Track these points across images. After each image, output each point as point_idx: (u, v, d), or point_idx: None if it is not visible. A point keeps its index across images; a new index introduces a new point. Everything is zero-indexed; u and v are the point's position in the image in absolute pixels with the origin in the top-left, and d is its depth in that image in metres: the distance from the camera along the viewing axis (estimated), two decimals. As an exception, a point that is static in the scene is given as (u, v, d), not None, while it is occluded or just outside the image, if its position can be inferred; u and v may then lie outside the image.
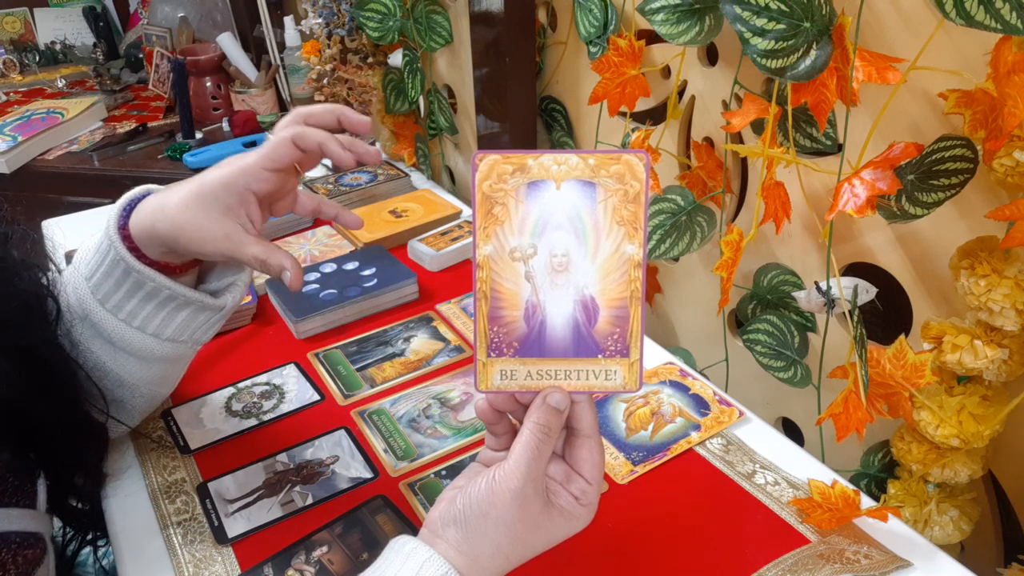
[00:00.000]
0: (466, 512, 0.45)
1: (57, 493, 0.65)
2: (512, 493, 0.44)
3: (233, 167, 0.61)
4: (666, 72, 0.94)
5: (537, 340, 0.45)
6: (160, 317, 0.65)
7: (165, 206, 0.61)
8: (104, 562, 0.79)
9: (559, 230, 0.44)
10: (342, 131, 0.63)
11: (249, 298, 0.94)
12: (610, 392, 0.52)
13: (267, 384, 0.84)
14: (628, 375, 0.46)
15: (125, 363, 0.67)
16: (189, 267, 0.65)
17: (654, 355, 0.88)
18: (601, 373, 0.46)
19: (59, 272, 0.66)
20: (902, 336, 0.66)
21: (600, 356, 0.46)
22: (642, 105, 0.94)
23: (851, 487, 0.66)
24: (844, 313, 0.71)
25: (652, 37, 0.89)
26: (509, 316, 0.45)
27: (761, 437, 0.75)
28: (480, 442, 0.75)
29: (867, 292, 0.74)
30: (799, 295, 0.81)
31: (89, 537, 0.75)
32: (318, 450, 0.74)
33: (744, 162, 0.90)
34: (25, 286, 0.58)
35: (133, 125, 1.81)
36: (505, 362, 0.46)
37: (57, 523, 0.71)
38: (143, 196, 0.64)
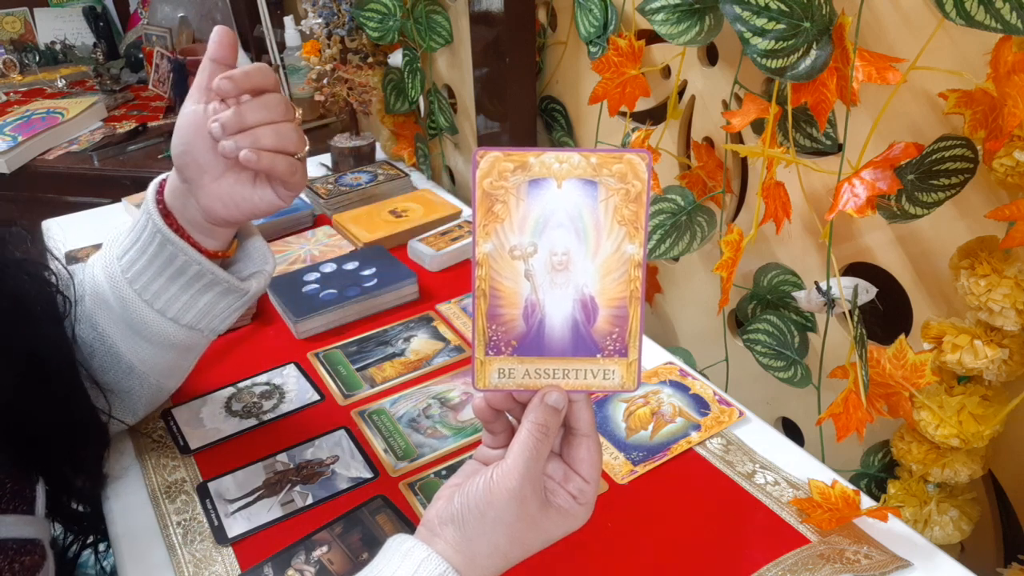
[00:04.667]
0: (464, 511, 0.45)
1: (56, 496, 0.65)
2: (510, 492, 0.44)
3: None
4: (666, 72, 0.94)
5: (536, 339, 0.45)
6: (183, 300, 0.65)
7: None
8: (105, 563, 0.79)
9: (560, 228, 0.44)
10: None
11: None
12: (608, 392, 0.52)
13: (267, 384, 0.84)
14: (626, 375, 0.46)
15: (139, 349, 0.68)
16: (219, 255, 0.66)
17: (654, 355, 0.88)
18: (599, 372, 0.46)
19: (66, 268, 0.66)
20: (902, 336, 0.66)
21: (598, 355, 0.46)
22: (642, 105, 0.94)
23: (851, 487, 0.66)
24: (844, 313, 0.71)
25: (652, 37, 0.89)
26: (508, 314, 0.45)
27: (761, 437, 0.75)
28: (480, 442, 0.75)
29: (867, 292, 0.74)
30: (799, 295, 0.81)
31: (89, 540, 0.75)
32: (318, 450, 0.74)
33: (744, 162, 0.90)
34: (20, 285, 0.58)
35: (133, 125, 1.81)
36: (503, 360, 0.46)
37: (58, 526, 0.71)
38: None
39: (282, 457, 0.74)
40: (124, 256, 0.65)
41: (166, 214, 0.64)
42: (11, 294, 0.57)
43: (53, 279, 0.64)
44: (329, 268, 1.01)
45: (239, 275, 0.68)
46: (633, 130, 0.95)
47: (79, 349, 0.67)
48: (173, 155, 0.61)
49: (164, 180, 0.65)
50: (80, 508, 0.71)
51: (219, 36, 0.59)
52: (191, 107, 0.59)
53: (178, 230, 0.64)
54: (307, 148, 0.61)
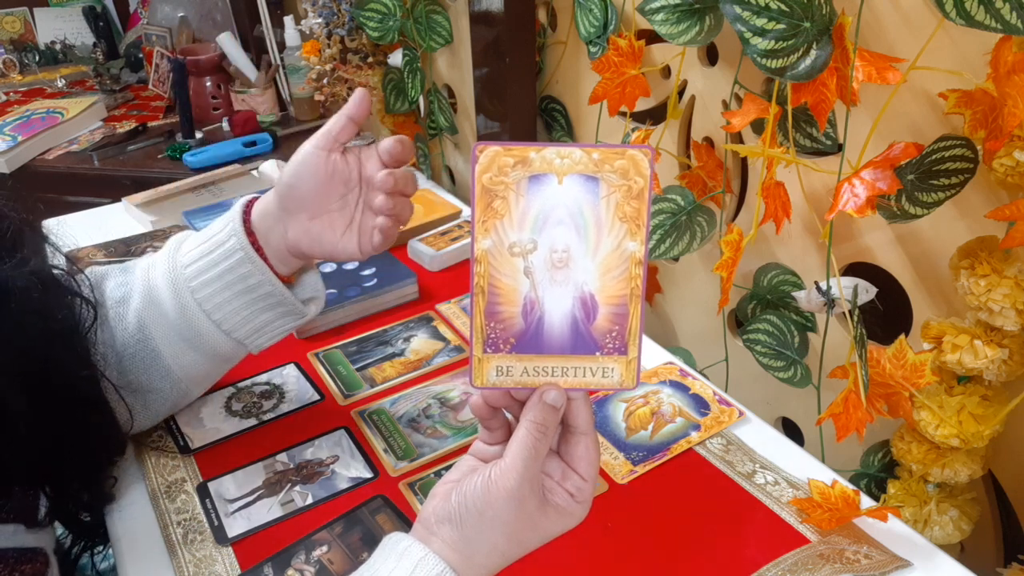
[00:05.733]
0: (461, 510, 0.45)
1: (61, 507, 0.65)
2: (508, 492, 0.44)
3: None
4: (666, 72, 0.94)
5: (534, 336, 0.45)
6: (243, 315, 0.67)
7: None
8: (102, 566, 0.79)
9: (560, 225, 0.44)
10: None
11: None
12: (607, 390, 0.51)
13: (267, 384, 0.84)
14: (625, 373, 0.46)
15: (182, 355, 0.68)
16: (284, 280, 0.68)
17: (654, 355, 0.88)
18: (598, 371, 0.46)
19: (84, 273, 0.66)
20: (902, 336, 0.66)
21: (598, 353, 0.45)
22: (642, 105, 0.94)
23: (851, 487, 0.66)
24: (844, 313, 0.71)
25: (652, 37, 0.89)
26: (506, 312, 0.45)
27: (761, 437, 0.75)
28: (480, 442, 0.75)
29: (867, 292, 0.74)
30: (799, 295, 0.81)
31: (90, 542, 0.74)
32: (318, 450, 0.74)
33: (744, 162, 0.90)
34: (36, 299, 0.56)
35: (133, 125, 1.81)
36: (501, 358, 0.46)
37: (59, 527, 0.71)
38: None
39: (282, 457, 0.73)
40: (192, 265, 0.66)
41: (249, 233, 0.65)
42: (27, 310, 0.55)
43: (77, 287, 0.63)
44: (329, 268, 1.01)
45: (298, 299, 0.70)
46: (633, 130, 0.95)
47: (115, 348, 0.67)
48: (281, 184, 0.64)
49: (251, 200, 0.67)
50: (83, 516, 0.70)
51: (359, 99, 0.63)
52: (313, 149, 0.63)
53: (258, 251, 0.65)
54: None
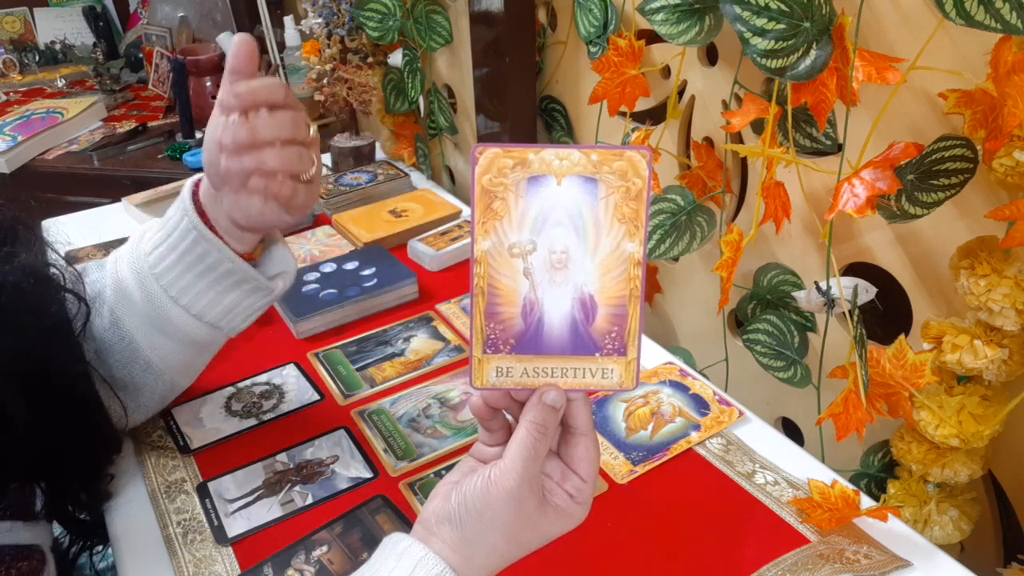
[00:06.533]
0: (461, 510, 0.45)
1: (58, 505, 0.65)
2: (508, 492, 0.44)
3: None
4: (666, 72, 0.94)
5: (534, 337, 0.45)
6: (210, 296, 0.66)
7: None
8: (100, 565, 0.79)
9: (559, 226, 0.44)
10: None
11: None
12: (606, 390, 0.51)
13: (267, 384, 0.84)
14: (625, 374, 0.46)
15: (159, 345, 0.68)
16: (245, 257, 0.67)
17: (654, 355, 0.88)
18: (598, 371, 0.46)
19: (73, 268, 0.66)
20: (902, 336, 0.66)
21: (597, 354, 0.46)
22: (642, 105, 0.94)
23: (851, 487, 0.66)
24: (844, 313, 0.71)
25: (652, 37, 0.89)
26: (506, 312, 0.45)
27: (761, 437, 0.75)
28: (479, 442, 0.75)
29: (867, 292, 0.74)
30: (799, 295, 0.81)
31: (89, 542, 0.74)
32: (318, 450, 0.74)
33: (744, 162, 0.90)
34: (31, 299, 0.57)
35: (133, 125, 1.81)
36: (501, 359, 0.46)
37: (58, 527, 0.71)
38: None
39: (282, 457, 0.74)
40: (153, 251, 0.66)
41: (200, 212, 0.65)
42: (21, 308, 0.55)
43: (65, 283, 0.63)
44: (329, 268, 1.01)
45: (265, 275, 0.69)
46: (633, 130, 0.95)
47: (95, 345, 0.67)
48: (203, 164, 0.62)
49: (200, 179, 0.66)
50: (81, 516, 0.71)
51: (236, 48, 0.57)
52: (214, 120, 0.60)
53: (212, 229, 0.65)
54: (314, 169, 0.62)
